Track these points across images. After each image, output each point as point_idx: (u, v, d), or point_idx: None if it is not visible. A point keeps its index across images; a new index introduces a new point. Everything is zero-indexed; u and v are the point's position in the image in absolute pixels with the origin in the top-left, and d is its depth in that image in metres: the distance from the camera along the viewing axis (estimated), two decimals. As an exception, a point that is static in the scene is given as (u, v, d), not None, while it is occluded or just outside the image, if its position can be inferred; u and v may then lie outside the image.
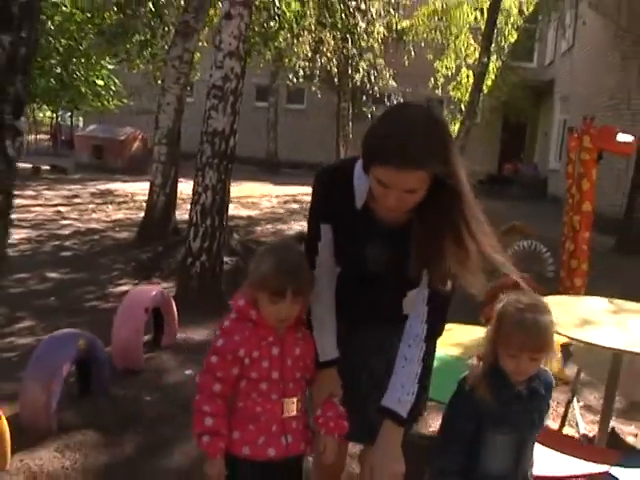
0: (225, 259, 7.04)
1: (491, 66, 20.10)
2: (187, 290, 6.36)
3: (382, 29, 20.53)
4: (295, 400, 2.33)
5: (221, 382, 2.25)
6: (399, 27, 22.08)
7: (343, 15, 14.43)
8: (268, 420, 2.29)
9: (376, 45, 21.04)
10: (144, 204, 10.76)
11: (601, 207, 16.39)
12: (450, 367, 3.82)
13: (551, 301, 2.68)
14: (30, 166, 18.80)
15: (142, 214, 10.48)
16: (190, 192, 6.74)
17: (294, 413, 2.31)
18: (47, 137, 34.37)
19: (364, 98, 24.40)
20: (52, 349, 3.99)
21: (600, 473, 2.95)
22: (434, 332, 2.33)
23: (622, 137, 6.90)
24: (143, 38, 11.68)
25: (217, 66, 6.25)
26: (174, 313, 5.50)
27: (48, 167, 20.22)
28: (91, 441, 3.83)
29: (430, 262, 2.19)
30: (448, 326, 2.47)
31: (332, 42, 16.82)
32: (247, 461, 2.27)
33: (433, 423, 4.14)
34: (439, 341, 2.45)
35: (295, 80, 19.77)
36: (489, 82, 20.73)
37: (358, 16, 15.88)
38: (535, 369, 2.33)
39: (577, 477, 3.01)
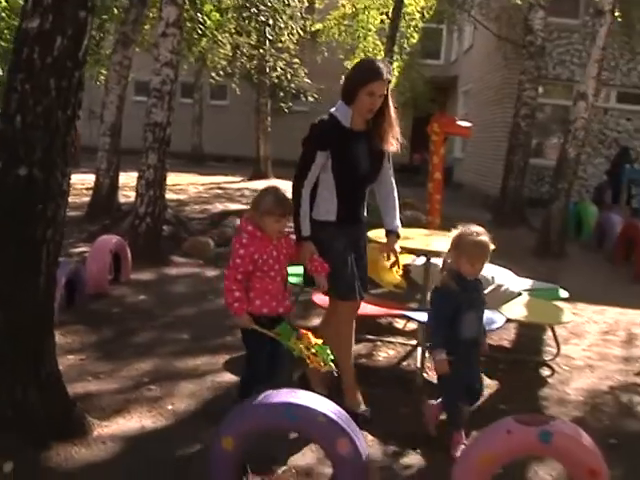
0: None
1: (395, 64, 22.05)
2: (136, 246, 8.06)
3: (297, 31, 21.86)
4: (287, 280, 3.95)
5: (241, 274, 3.73)
6: (313, 29, 23.43)
7: (257, 25, 16.03)
8: (276, 292, 3.85)
9: (291, 46, 22.39)
10: (84, 191, 12.60)
11: (487, 188, 18.77)
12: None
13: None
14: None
15: (85, 199, 12.26)
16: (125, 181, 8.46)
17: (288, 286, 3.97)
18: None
19: (281, 94, 25.70)
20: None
21: (398, 314, 5.03)
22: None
23: (462, 123, 9.12)
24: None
25: (156, 73, 8.20)
26: (129, 257, 7.34)
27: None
28: (82, 329, 5.69)
29: (393, 134, 4.17)
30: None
31: (246, 47, 18.19)
32: (264, 315, 3.80)
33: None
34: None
35: (217, 78, 20.97)
36: (394, 80, 22.62)
37: (271, 23, 17.25)
38: (481, 271, 3.84)
39: (382, 315, 5.08)
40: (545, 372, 5.56)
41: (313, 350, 3.62)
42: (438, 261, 4.48)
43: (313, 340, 3.65)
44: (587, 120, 11.04)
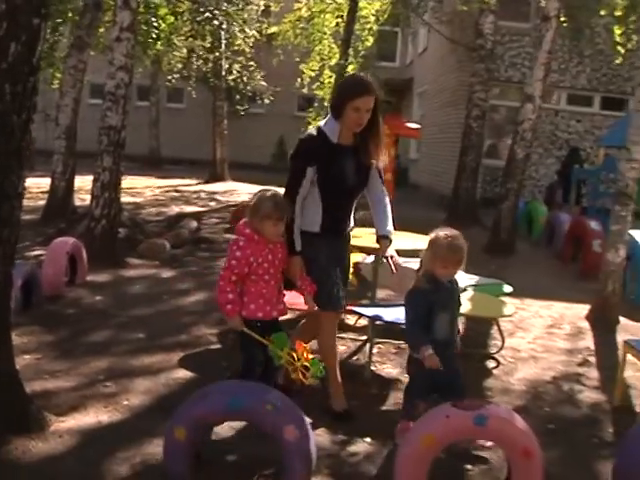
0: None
1: (350, 67, 22.28)
2: (92, 248, 8.04)
3: (253, 34, 21.94)
4: (281, 284, 4.06)
5: (236, 275, 3.84)
6: (269, 32, 23.52)
7: (211, 28, 16.10)
8: (270, 296, 3.95)
9: (247, 49, 22.48)
10: (40, 195, 12.61)
11: (441, 189, 19.08)
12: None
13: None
14: None
15: (40, 202, 12.23)
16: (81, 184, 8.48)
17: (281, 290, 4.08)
18: None
19: (238, 97, 25.88)
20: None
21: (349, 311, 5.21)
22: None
23: (411, 125, 9.32)
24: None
25: (111, 77, 8.28)
26: (85, 259, 7.41)
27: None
28: (38, 330, 5.76)
29: (379, 149, 4.29)
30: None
31: (201, 51, 18.21)
32: (259, 320, 3.90)
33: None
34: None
35: (173, 81, 20.99)
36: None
37: (225, 27, 17.27)
38: (455, 274, 3.95)
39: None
40: (491, 364, 5.78)
41: (306, 363, 3.74)
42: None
43: (307, 354, 3.77)
44: (534, 121, 11.35)
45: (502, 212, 11.50)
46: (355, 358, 5.68)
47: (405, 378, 4.68)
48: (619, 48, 12.89)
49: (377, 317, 5.34)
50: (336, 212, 4.31)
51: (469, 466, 3.90)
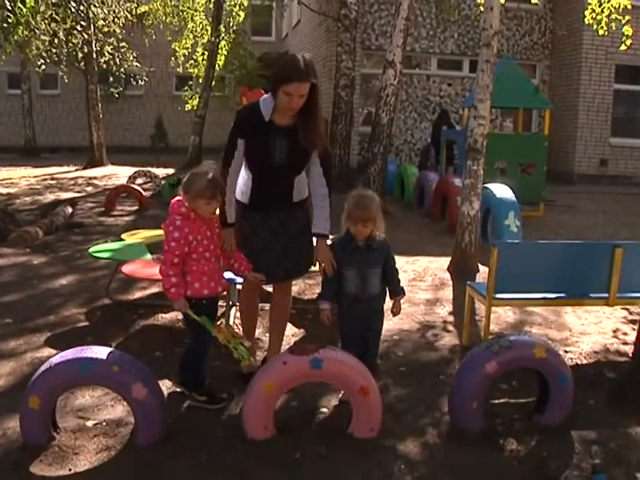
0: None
1: (222, 44, 22.27)
2: None
3: (117, 15, 21.51)
4: (220, 259, 4.10)
5: (177, 257, 3.82)
6: (139, 12, 23.18)
7: (68, 11, 15.73)
8: (212, 273, 3.98)
9: (118, 30, 22.11)
10: None
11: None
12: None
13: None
14: None
15: None
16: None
17: (221, 265, 4.12)
18: None
19: (111, 79, 25.55)
20: None
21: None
22: (331, 188, 4.32)
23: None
24: None
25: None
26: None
27: None
28: None
29: (314, 134, 4.13)
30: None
31: (63, 34, 17.77)
32: (205, 297, 3.95)
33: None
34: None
35: (43, 67, 20.43)
36: (222, 59, 22.89)
37: (82, 9, 16.88)
38: (367, 232, 4.05)
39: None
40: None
41: (231, 344, 3.89)
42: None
43: (229, 336, 3.94)
44: (396, 87, 11.73)
45: (371, 176, 11.86)
46: (219, 322, 5.86)
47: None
48: (482, 9, 13.31)
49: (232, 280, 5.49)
50: (267, 187, 4.26)
51: (323, 409, 4.17)
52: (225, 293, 5.47)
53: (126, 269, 5.92)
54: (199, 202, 3.86)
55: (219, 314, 6.04)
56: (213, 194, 3.87)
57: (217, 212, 4.10)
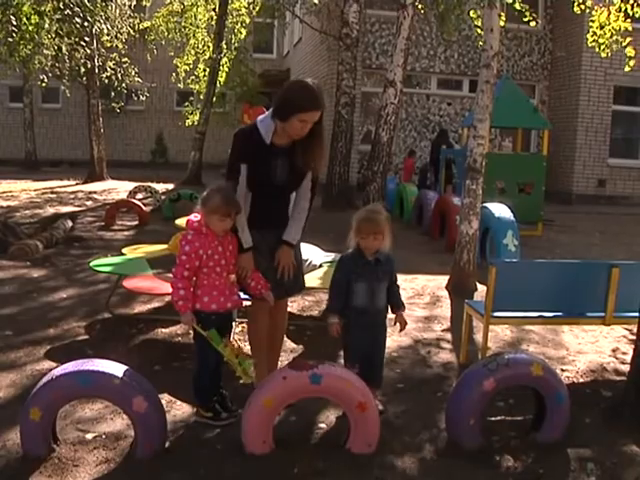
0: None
1: (223, 60, 22.39)
2: None
3: (122, 31, 21.69)
4: (233, 275, 4.08)
5: (188, 270, 3.85)
6: (142, 27, 23.31)
7: (74, 26, 15.81)
8: (223, 288, 3.97)
9: (120, 45, 22.27)
10: None
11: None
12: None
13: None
14: None
15: None
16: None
17: (234, 282, 4.11)
18: None
19: (113, 94, 25.52)
20: None
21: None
22: (311, 205, 4.44)
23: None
24: None
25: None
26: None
27: None
28: None
29: (311, 157, 4.21)
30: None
31: (67, 49, 17.84)
32: (213, 312, 3.93)
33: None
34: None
35: (45, 81, 20.50)
36: (223, 75, 23.01)
37: (87, 25, 16.97)
38: (377, 246, 4.13)
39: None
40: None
41: (237, 360, 3.87)
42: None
43: (238, 352, 3.92)
44: (397, 105, 11.83)
45: (370, 194, 11.94)
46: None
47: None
48: (479, 31, 13.44)
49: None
50: (266, 206, 4.29)
51: (321, 424, 4.20)
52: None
53: (128, 283, 5.99)
54: (213, 218, 3.90)
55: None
56: (228, 212, 3.90)
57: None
